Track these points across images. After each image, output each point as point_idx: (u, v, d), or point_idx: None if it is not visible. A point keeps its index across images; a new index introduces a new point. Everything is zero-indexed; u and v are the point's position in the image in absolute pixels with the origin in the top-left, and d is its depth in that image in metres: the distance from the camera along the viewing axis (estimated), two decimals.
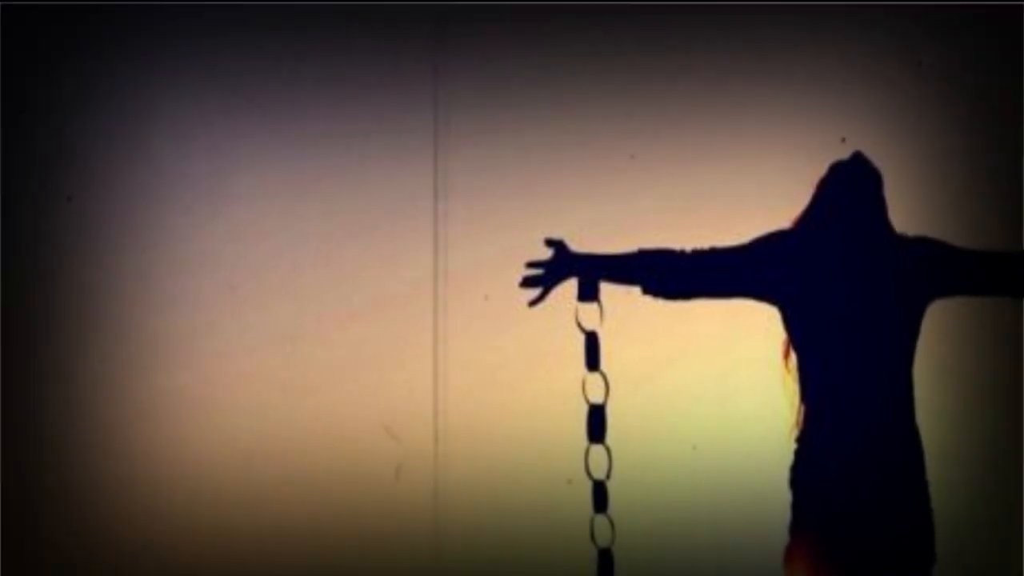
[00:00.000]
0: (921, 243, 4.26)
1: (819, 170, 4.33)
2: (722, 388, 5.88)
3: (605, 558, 4.31)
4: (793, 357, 4.27)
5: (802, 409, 4.23)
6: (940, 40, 5.97)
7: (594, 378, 4.33)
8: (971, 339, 5.71)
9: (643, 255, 4.26)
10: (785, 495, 4.24)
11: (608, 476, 4.32)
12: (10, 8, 5.64)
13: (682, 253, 4.26)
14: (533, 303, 4.27)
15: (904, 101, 5.95)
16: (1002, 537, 5.80)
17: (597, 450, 4.33)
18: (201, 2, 5.78)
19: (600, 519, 4.31)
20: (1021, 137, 5.90)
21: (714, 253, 4.26)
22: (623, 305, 4.35)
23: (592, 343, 4.33)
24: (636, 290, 4.29)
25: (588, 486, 4.35)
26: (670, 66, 5.90)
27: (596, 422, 4.32)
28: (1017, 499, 5.83)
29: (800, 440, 4.21)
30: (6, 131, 5.65)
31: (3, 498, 5.60)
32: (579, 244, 4.32)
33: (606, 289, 4.31)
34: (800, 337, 4.22)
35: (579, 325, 4.32)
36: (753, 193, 5.74)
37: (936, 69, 6.00)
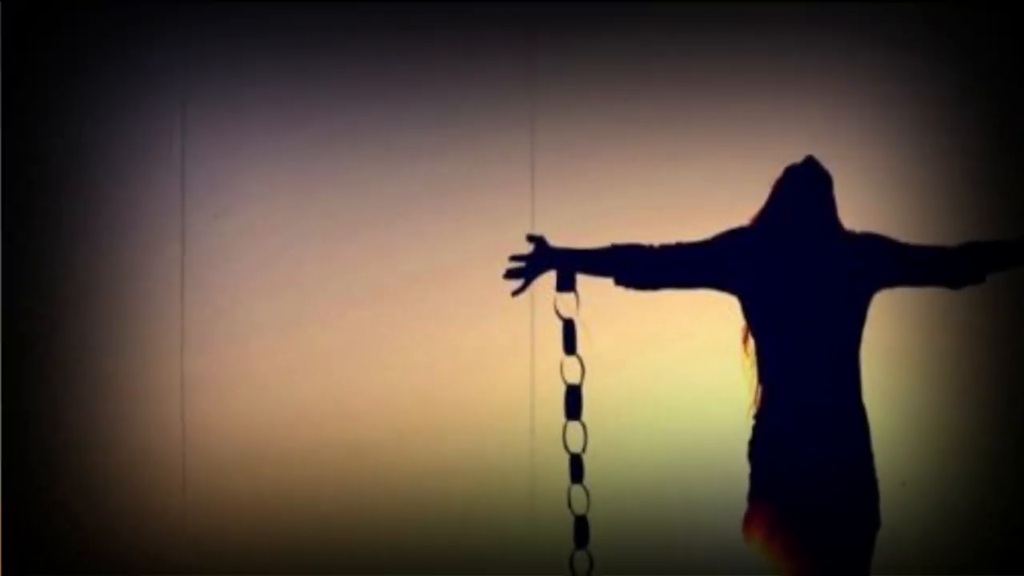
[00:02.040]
0: (867, 238, 4.34)
1: (776, 172, 4.38)
2: (687, 370, 5.86)
3: (581, 524, 4.37)
4: (751, 342, 4.35)
5: (759, 389, 4.31)
6: (936, 39, 5.90)
7: (571, 361, 4.38)
8: (916, 326, 5.71)
9: (615, 249, 4.33)
10: (744, 467, 4.30)
11: (584, 450, 4.37)
12: (36, 15, 5.59)
13: (650, 248, 4.32)
14: (516, 293, 4.34)
15: (890, 101, 5.92)
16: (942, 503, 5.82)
17: (574, 426, 4.39)
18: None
19: (576, 489, 4.37)
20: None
21: (679, 247, 4.32)
22: (598, 295, 4.37)
23: (569, 329, 4.38)
24: (609, 281, 4.35)
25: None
26: (642, 80, 5.88)
27: (573, 401, 4.38)
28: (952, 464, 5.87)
29: (757, 417, 4.30)
30: (43, 136, 5.61)
31: (30, 474, 5.57)
32: (557, 239, 4.37)
33: (582, 280, 4.34)
34: (757, 324, 4.31)
35: (557, 313, 4.36)
36: (715, 194, 5.70)
37: (932, 67, 5.92)
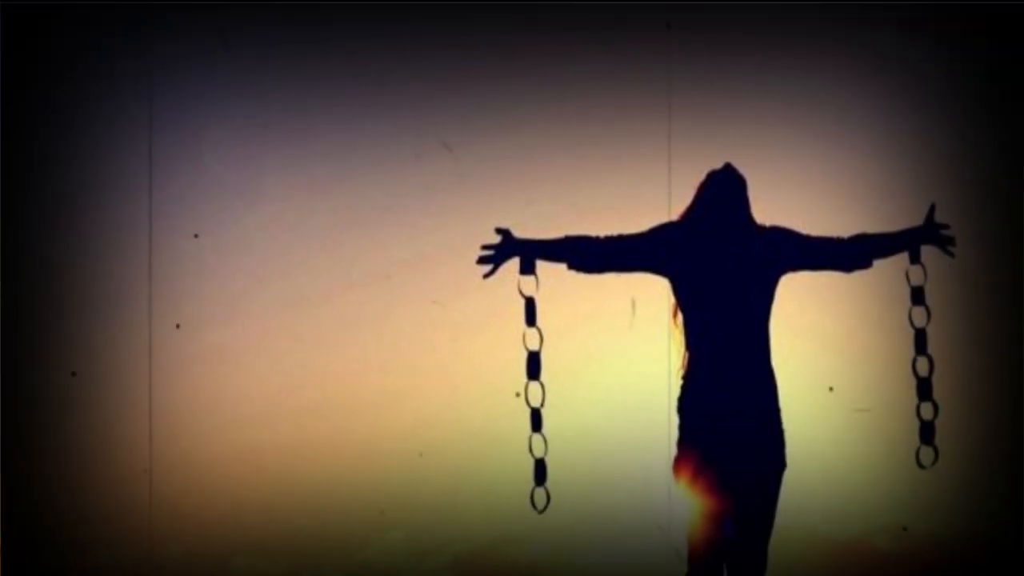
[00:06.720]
0: (775, 231, 4.66)
1: (699, 177, 4.70)
2: (627, 339, 6.18)
3: (540, 466, 4.74)
4: (680, 316, 4.68)
5: (686, 355, 4.65)
6: (935, 40, 6.16)
7: (532, 331, 4.71)
8: (816, 304, 6.06)
9: (568, 240, 4.67)
10: (674, 418, 4.65)
11: (542, 404, 4.73)
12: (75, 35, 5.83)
13: (597, 238, 4.66)
14: (486, 276, 4.67)
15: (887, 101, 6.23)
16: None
17: (534, 385, 4.73)
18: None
19: (536, 436, 4.73)
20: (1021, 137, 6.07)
21: (621, 239, 4.65)
22: (554, 277, 4.69)
23: (530, 305, 4.72)
24: (563, 266, 4.69)
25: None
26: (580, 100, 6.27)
27: (533, 364, 4.73)
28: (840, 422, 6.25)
29: (685, 378, 4.64)
30: (87, 145, 5.80)
31: (75, 427, 5.83)
32: (521, 231, 4.71)
33: (541, 265, 4.67)
34: (685, 301, 4.66)
35: (520, 292, 4.71)
36: (653, 195, 6.13)
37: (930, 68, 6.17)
